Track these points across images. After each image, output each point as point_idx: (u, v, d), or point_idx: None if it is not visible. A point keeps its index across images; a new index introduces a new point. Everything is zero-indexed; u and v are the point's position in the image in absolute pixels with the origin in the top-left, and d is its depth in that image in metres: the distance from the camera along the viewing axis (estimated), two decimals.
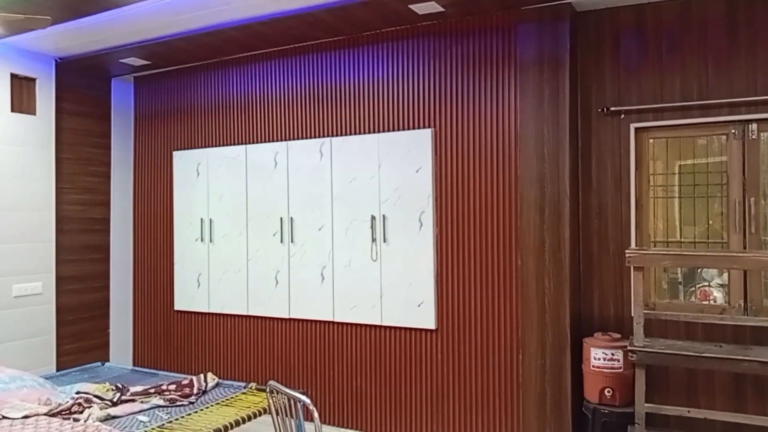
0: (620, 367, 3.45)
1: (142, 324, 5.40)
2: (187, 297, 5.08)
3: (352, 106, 4.39)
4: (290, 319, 4.60)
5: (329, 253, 4.38)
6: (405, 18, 3.92)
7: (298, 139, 4.59)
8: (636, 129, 3.72)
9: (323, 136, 4.49)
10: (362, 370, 4.32)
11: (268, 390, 2.48)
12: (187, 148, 5.15)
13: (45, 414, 3.18)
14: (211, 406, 3.42)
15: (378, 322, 4.20)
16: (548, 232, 3.69)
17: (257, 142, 4.78)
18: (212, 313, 4.97)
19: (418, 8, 3.73)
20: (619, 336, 3.59)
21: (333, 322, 4.41)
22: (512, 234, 3.83)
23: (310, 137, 4.55)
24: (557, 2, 3.64)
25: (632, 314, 3.47)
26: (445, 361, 4.03)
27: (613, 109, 3.75)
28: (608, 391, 3.45)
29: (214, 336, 4.98)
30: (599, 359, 3.49)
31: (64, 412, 3.21)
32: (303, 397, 2.24)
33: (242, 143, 4.86)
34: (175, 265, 5.15)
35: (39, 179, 4.65)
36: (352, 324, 4.34)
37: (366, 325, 4.28)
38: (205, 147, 5.05)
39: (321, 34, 4.25)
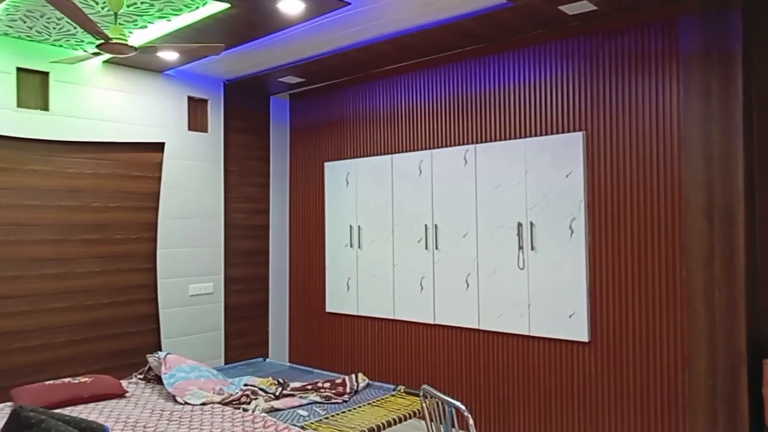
0: None
1: (297, 324, 5.78)
2: (338, 300, 5.34)
3: (497, 112, 4.35)
4: (435, 325, 4.65)
5: (474, 260, 4.37)
6: (554, 20, 3.81)
7: (442, 147, 4.65)
8: None
9: (468, 144, 4.50)
10: (508, 379, 4.25)
11: (421, 394, 2.53)
12: (337, 159, 5.43)
13: (218, 402, 3.52)
14: (363, 405, 3.56)
15: (525, 332, 4.11)
16: (718, 241, 3.37)
17: (402, 152, 4.92)
18: (360, 316, 5.19)
19: (569, 9, 3.61)
20: None
21: (478, 330, 4.39)
22: (675, 242, 3.55)
23: (455, 145, 4.58)
24: None
25: None
26: (599, 376, 3.83)
27: None
28: None
29: (362, 338, 5.19)
30: None
31: (234, 402, 3.53)
32: (458, 404, 2.26)
33: (388, 153, 5.02)
34: (327, 269, 5.45)
35: (211, 190, 5.17)
36: (498, 333, 4.29)
37: (513, 335, 4.21)
38: (354, 158, 5.29)
39: (466, 42, 4.27)
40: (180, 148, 4.95)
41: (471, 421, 2.24)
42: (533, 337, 4.11)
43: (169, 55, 4.37)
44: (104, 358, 4.51)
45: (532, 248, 4.07)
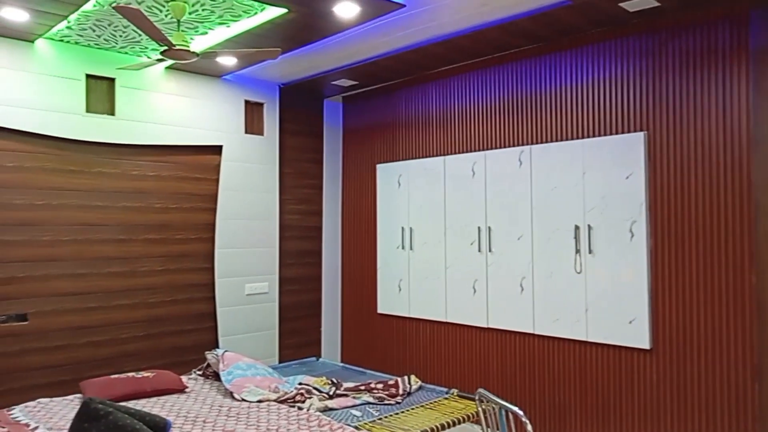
0: None
1: (349, 324, 5.82)
2: (389, 301, 5.36)
3: (553, 113, 4.27)
4: (488, 329, 4.60)
5: (529, 263, 4.30)
6: (614, 17, 3.71)
7: (496, 148, 4.60)
8: None
9: (523, 145, 4.43)
10: (565, 385, 4.15)
11: (477, 398, 2.51)
12: (390, 161, 5.45)
13: (274, 400, 3.59)
14: (416, 408, 3.55)
15: (582, 338, 4.01)
16: None
17: (455, 153, 4.89)
18: (412, 318, 5.18)
19: (630, 5, 3.51)
20: None
21: (533, 335, 4.31)
22: (743, 246, 3.39)
23: (509, 146, 4.52)
24: None
25: None
26: (661, 386, 3.70)
27: None
28: None
29: (413, 340, 5.18)
30: None
31: (289, 400, 3.58)
32: (515, 409, 2.23)
33: (441, 155, 5.00)
34: (378, 271, 5.47)
35: (266, 192, 5.28)
36: (553, 338, 4.20)
37: (569, 340, 4.11)
38: (406, 159, 5.29)
39: (522, 42, 4.21)
40: (237, 151, 5.08)
41: (529, 427, 2.20)
42: (591, 343, 4.00)
43: (228, 60, 4.49)
44: (165, 353, 4.66)
45: (590, 252, 3.97)
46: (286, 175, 5.50)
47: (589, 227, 3.98)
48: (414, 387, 3.88)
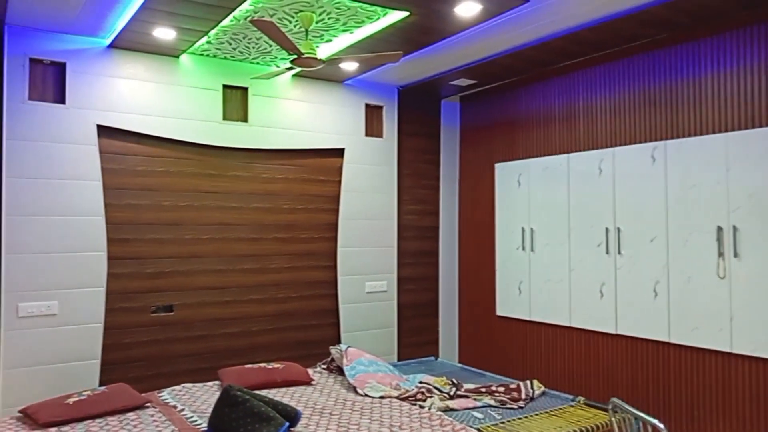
0: None
1: (466, 325, 5.78)
2: (509, 303, 5.25)
3: (690, 106, 3.96)
4: (617, 335, 4.36)
5: (663, 266, 4.02)
6: None
7: (625, 144, 4.35)
8: None
9: (656, 140, 4.15)
10: (705, 399, 3.83)
11: (610, 408, 2.39)
12: (509, 160, 5.34)
13: (396, 397, 3.65)
14: (540, 414, 3.45)
15: (726, 349, 3.67)
16: None
17: (580, 150, 4.68)
18: (533, 321, 5.04)
19: None
20: None
21: (668, 343, 4.03)
22: None
23: (640, 142, 4.25)
24: None
25: None
26: None
27: None
28: None
29: (534, 343, 5.04)
30: None
31: (410, 398, 3.63)
32: (655, 421, 2.09)
33: (564, 152, 4.82)
34: (497, 272, 5.38)
35: (385, 193, 5.39)
36: (692, 348, 3.89)
37: (710, 351, 3.79)
38: (526, 158, 5.16)
39: (654, 31, 3.95)
40: (358, 153, 5.23)
41: None
42: (736, 355, 3.66)
43: (350, 66, 4.64)
44: (291, 347, 4.91)
45: (736, 255, 3.63)
46: (404, 176, 5.57)
47: (735, 228, 3.64)
48: (537, 392, 3.78)
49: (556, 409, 3.52)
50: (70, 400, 3.20)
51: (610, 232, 4.37)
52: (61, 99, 4.00)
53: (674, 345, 3.99)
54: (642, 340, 4.19)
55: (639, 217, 4.18)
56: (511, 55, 4.45)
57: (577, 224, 4.63)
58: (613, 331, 4.35)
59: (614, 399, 2.38)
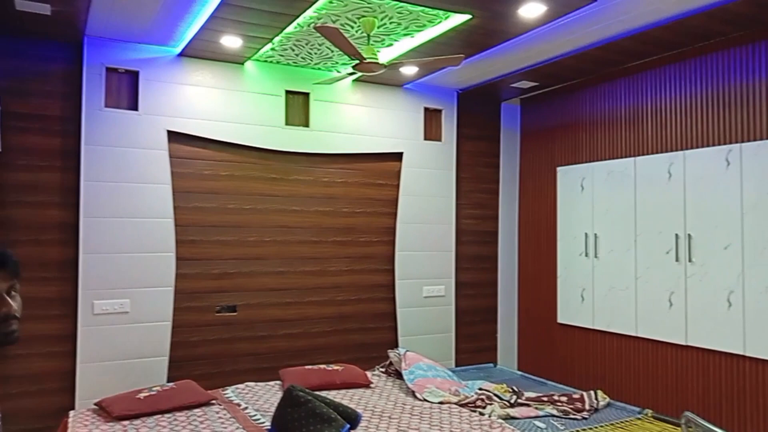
0: None
1: (526, 332, 5.67)
2: (570, 311, 5.11)
3: None
4: (687, 347, 4.17)
5: (738, 275, 3.82)
6: None
7: (697, 147, 4.16)
8: None
9: (730, 143, 3.95)
10: None
11: (683, 422, 2.28)
12: (571, 164, 5.21)
13: (455, 403, 3.61)
14: (605, 426, 3.34)
15: None
16: None
17: (647, 154, 4.52)
18: (597, 330, 4.88)
19: None
20: None
21: (743, 357, 3.82)
22: None
23: (713, 144, 4.06)
24: None
25: None
26: None
27: None
28: None
29: (598, 353, 4.89)
30: None
31: (470, 405, 3.59)
32: None
33: (630, 155, 4.66)
34: (558, 278, 5.25)
35: (443, 197, 5.36)
36: None
37: None
38: (590, 161, 5.02)
39: (729, 29, 3.77)
40: (416, 157, 5.23)
41: None
42: None
43: (410, 70, 4.64)
44: (350, 349, 4.95)
45: None
46: (462, 179, 5.53)
47: None
48: (602, 403, 3.66)
49: (622, 422, 3.40)
50: (141, 395, 3.33)
51: (680, 239, 4.19)
52: (134, 106, 4.19)
53: (750, 358, 3.78)
54: (714, 352, 3.99)
55: (711, 224, 3.99)
56: (576, 56, 4.35)
57: (644, 230, 4.46)
58: (683, 342, 4.17)
59: (687, 413, 2.27)
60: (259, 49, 4.19)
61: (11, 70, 3.88)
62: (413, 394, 3.76)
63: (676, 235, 4.21)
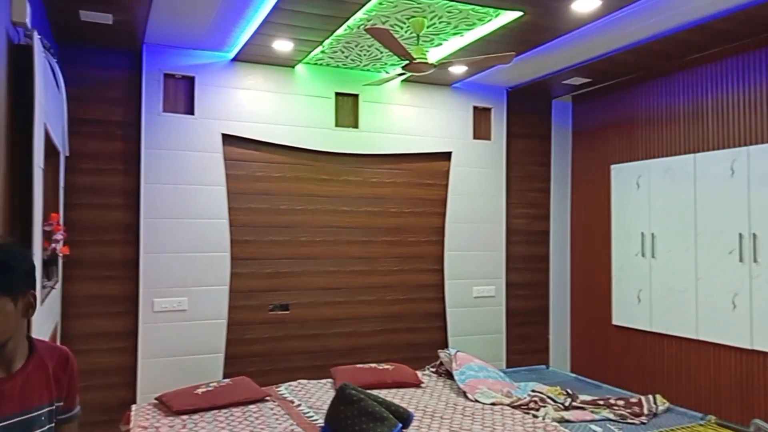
0: None
1: (579, 334, 5.55)
2: (626, 312, 4.97)
3: None
4: (752, 351, 3.99)
5: None
6: None
7: (763, 143, 3.98)
8: None
9: None
10: None
11: (752, 429, 2.19)
12: (626, 161, 5.06)
13: (508, 405, 3.57)
14: (665, 431, 3.23)
15: None
16: None
17: (708, 150, 4.35)
18: (654, 333, 4.73)
19: None
20: None
21: None
22: None
23: None
24: None
25: None
26: None
27: None
28: None
29: (656, 356, 4.73)
30: None
31: (523, 407, 3.54)
32: None
33: (689, 152, 4.50)
34: (613, 279, 5.12)
35: (493, 196, 5.30)
36: None
37: None
38: (646, 159, 4.87)
39: None
40: (465, 157, 5.19)
41: None
42: None
43: (458, 69, 4.61)
44: (399, 348, 4.96)
45: None
46: (513, 178, 5.45)
47: None
48: (661, 408, 3.54)
49: (683, 428, 3.28)
50: (199, 391, 3.44)
51: (744, 239, 4.01)
52: (190, 110, 4.32)
53: None
54: None
55: None
56: (631, 51, 4.22)
57: (705, 229, 4.29)
58: (747, 346, 3.99)
59: (757, 420, 2.18)
60: (310, 52, 4.25)
61: (76, 78, 4.06)
62: (464, 394, 3.74)
63: (740, 234, 4.04)
